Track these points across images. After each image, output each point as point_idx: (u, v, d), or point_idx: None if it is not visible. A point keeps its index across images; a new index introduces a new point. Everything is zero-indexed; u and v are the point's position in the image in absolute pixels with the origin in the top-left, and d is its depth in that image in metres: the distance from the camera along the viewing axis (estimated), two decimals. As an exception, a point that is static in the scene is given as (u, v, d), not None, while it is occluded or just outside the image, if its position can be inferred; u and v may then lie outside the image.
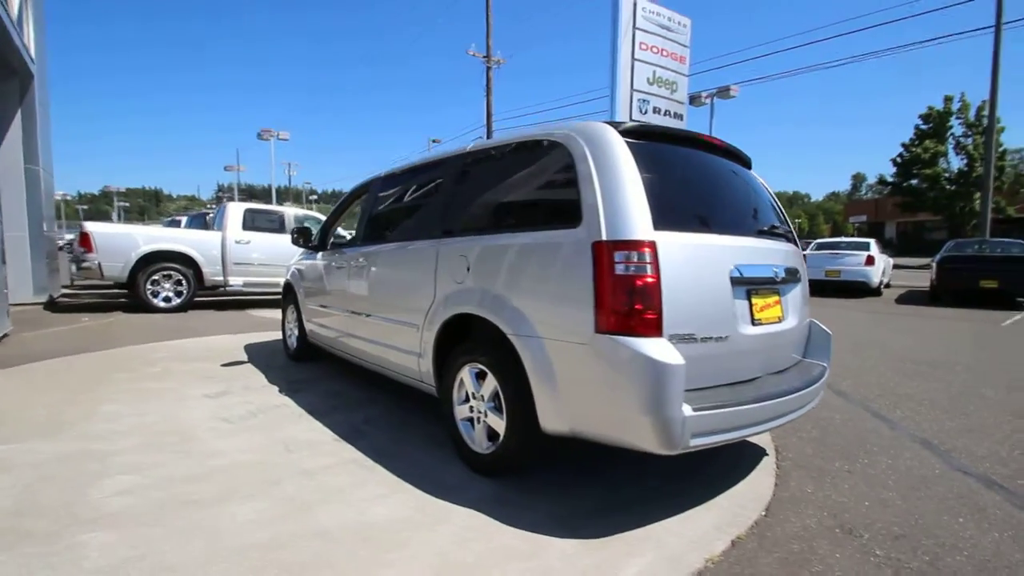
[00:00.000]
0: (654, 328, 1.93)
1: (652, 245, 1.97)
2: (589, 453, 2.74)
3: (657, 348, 1.88)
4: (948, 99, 30.07)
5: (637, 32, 14.77)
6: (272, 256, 8.90)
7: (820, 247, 13.53)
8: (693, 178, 2.45)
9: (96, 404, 3.44)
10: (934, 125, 30.72)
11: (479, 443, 2.54)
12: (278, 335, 6.07)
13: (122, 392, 3.74)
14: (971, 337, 6.80)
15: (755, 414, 2.08)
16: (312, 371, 4.48)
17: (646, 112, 19.39)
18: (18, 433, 2.90)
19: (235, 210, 8.91)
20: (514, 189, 2.57)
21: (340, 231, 4.96)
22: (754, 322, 2.30)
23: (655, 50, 17.08)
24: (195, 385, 3.96)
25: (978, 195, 22.15)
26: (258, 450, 2.74)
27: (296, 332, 4.86)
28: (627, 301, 1.94)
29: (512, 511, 2.16)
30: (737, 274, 2.21)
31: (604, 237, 2.00)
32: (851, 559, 1.88)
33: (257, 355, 5.10)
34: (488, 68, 24.66)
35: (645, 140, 2.27)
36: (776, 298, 2.47)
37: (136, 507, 2.12)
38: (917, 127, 31.31)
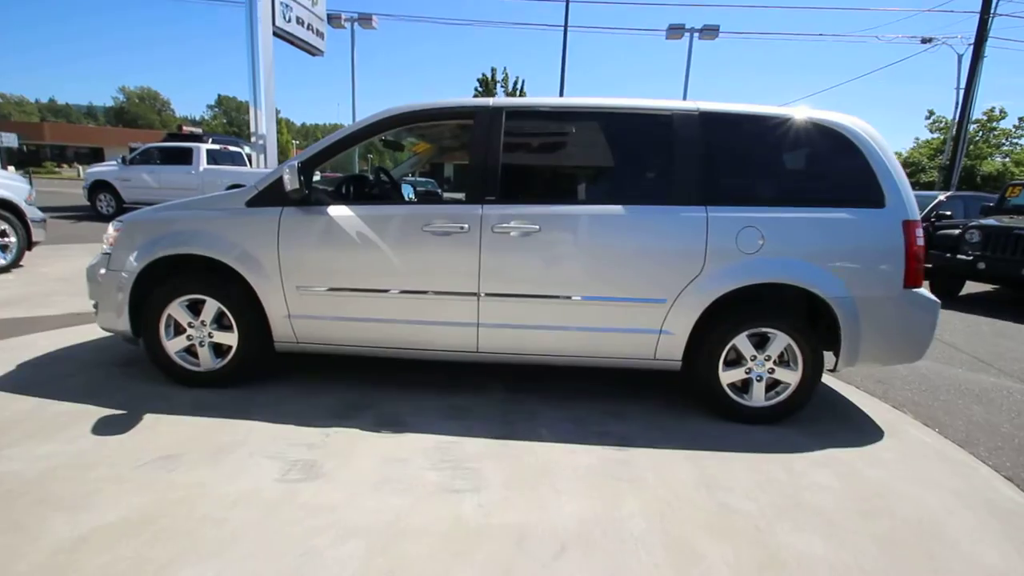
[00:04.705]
0: (923, 281, 2.80)
1: (919, 222, 2.79)
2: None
3: (931, 294, 2.77)
4: (494, 70, 38.98)
5: (270, -83, 12.80)
6: None
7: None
8: None
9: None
10: (485, 90, 39.30)
11: (756, 399, 2.78)
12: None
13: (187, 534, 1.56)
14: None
15: None
16: (316, 391, 2.86)
17: (290, 20, 17.39)
18: None
19: None
20: (789, 163, 2.75)
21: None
22: None
23: (291, -55, 15.15)
24: (216, 476, 1.99)
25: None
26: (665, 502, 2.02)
27: (223, 339, 2.83)
28: (921, 263, 2.71)
29: (821, 440, 2.65)
30: None
31: (909, 217, 2.66)
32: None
33: (131, 397, 2.67)
34: None
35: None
36: None
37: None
38: (476, 89, 39.25)
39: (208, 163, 12.25)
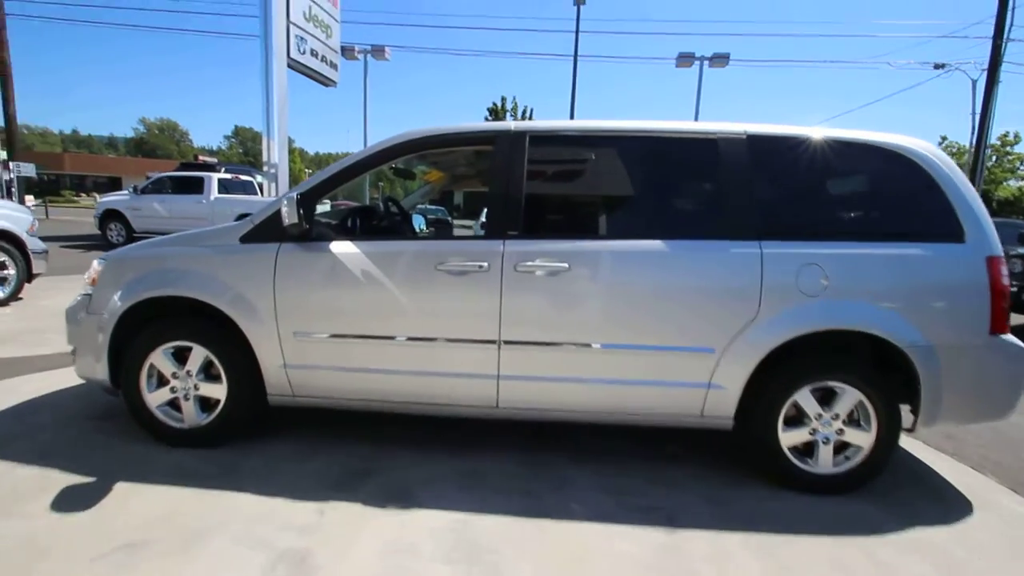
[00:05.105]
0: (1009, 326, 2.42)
1: (1003, 259, 2.43)
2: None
3: (1020, 341, 2.40)
4: (504, 99, 39.64)
5: (290, -47, 12.97)
6: None
7: None
8: None
9: None
10: (494, 118, 39.83)
11: (823, 465, 2.39)
12: None
13: None
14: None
15: None
16: (313, 453, 2.52)
17: (304, 52, 17.55)
18: None
19: None
20: (853, 193, 2.43)
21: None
22: None
23: (310, -20, 15.32)
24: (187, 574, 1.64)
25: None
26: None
27: (211, 391, 2.52)
28: (1008, 305, 2.35)
29: (902, 516, 2.24)
30: None
31: (994, 253, 2.31)
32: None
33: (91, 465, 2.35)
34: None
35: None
36: None
37: None
38: (486, 117, 39.81)
39: (219, 192, 12.20)
